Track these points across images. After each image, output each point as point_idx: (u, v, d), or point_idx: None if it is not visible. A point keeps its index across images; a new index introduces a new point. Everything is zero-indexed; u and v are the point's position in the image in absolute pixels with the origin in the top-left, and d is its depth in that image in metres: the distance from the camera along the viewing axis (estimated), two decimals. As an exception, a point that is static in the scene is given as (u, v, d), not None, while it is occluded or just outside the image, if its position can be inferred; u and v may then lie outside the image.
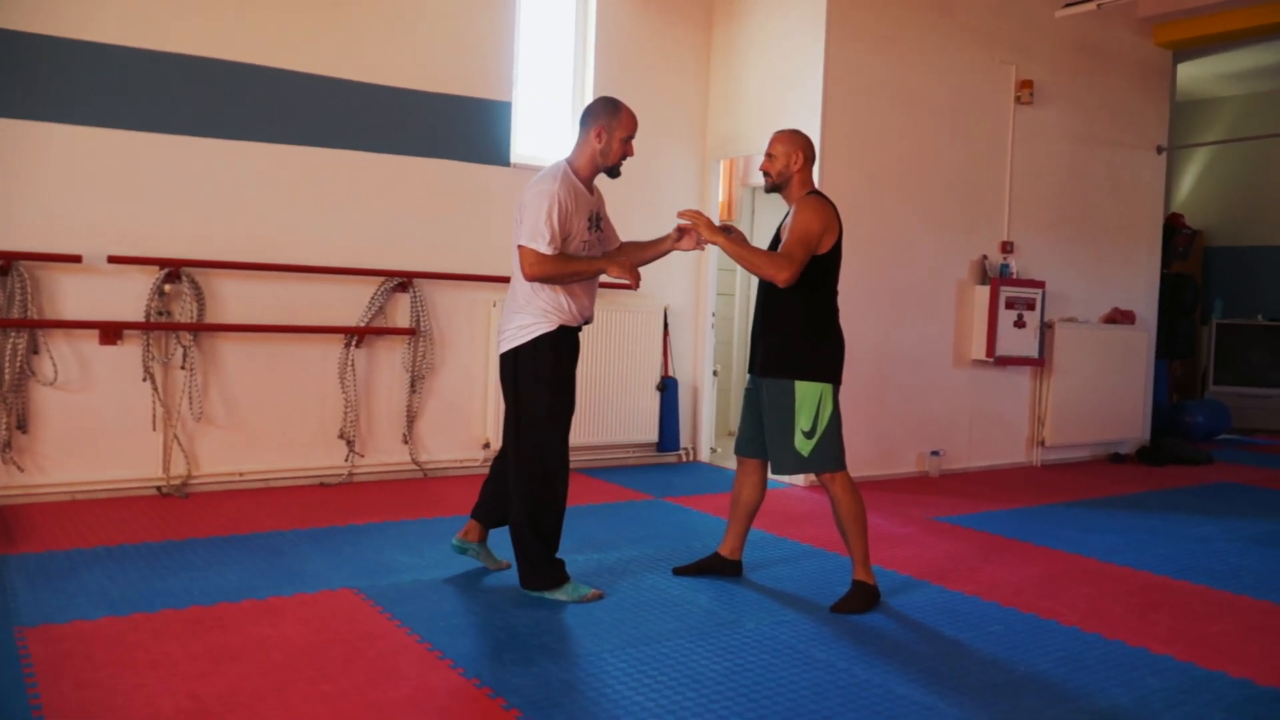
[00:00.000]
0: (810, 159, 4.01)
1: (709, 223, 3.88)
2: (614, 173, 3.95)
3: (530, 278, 3.74)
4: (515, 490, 3.87)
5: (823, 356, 3.94)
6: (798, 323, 3.91)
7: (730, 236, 3.88)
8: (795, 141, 4.00)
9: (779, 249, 3.86)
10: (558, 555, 3.95)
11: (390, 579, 4.02)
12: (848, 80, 6.47)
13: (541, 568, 3.87)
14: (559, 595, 3.84)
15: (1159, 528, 5.60)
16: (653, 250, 4.13)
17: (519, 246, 3.75)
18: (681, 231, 4.00)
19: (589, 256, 3.88)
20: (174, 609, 3.55)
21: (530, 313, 3.80)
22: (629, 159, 3.96)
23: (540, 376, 3.81)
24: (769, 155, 4.01)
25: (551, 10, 6.71)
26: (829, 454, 3.92)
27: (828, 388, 3.92)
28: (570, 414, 3.94)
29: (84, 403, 5.19)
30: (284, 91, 5.63)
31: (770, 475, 4.21)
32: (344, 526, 4.86)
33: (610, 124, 3.85)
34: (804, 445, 3.88)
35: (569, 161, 3.89)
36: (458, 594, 3.90)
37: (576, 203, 3.80)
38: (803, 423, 3.88)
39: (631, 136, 3.90)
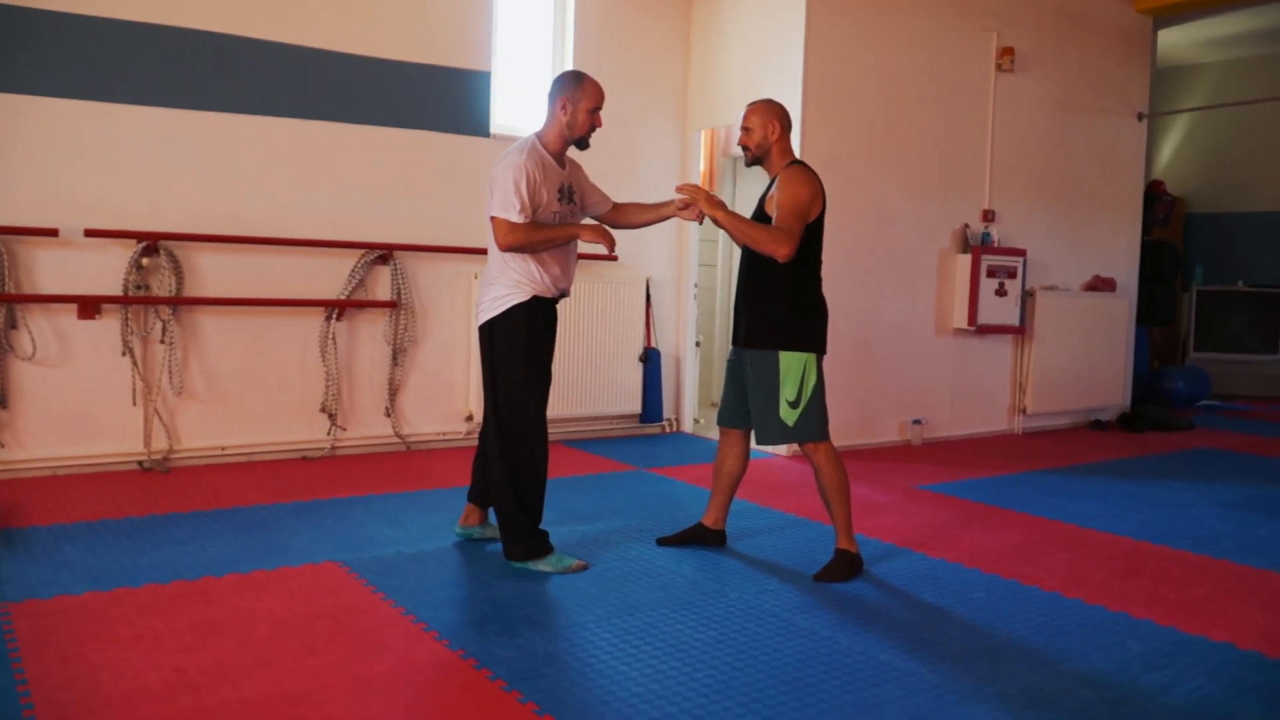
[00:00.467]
0: (787, 127, 3.99)
1: (708, 197, 3.88)
2: (582, 144, 3.96)
3: (504, 247, 3.76)
4: (496, 462, 3.88)
5: (807, 326, 3.94)
6: (782, 293, 3.90)
7: (729, 212, 3.86)
8: (770, 112, 3.98)
9: (772, 223, 3.84)
10: (541, 526, 3.96)
11: (374, 552, 4.02)
12: (828, 49, 6.44)
13: (525, 539, 3.88)
14: (543, 566, 3.85)
15: (1139, 493, 5.65)
16: (653, 214, 4.16)
17: (491, 218, 3.77)
18: (685, 203, 3.99)
19: (562, 224, 3.88)
20: (157, 583, 3.54)
21: (503, 284, 3.83)
22: (603, 130, 3.99)
23: (514, 344, 3.83)
24: (745, 129, 4.00)
25: (531, -22, 6.65)
26: (813, 423, 3.92)
27: (812, 357, 3.93)
28: (546, 384, 3.95)
29: (63, 377, 5.16)
30: (262, 62, 5.57)
31: (754, 445, 4.22)
32: (327, 500, 4.85)
33: (574, 95, 3.86)
34: (789, 415, 3.89)
35: (538, 135, 3.91)
36: (441, 566, 3.90)
37: (545, 174, 3.81)
38: (788, 393, 3.89)
39: (598, 107, 3.90)
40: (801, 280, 3.92)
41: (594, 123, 3.91)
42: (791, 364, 3.89)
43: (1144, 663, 3.13)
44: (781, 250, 3.75)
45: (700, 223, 4.19)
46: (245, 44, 5.51)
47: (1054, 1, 7.71)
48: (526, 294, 3.82)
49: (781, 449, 6.36)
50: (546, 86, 6.52)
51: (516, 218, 3.71)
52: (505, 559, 3.93)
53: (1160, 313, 9.35)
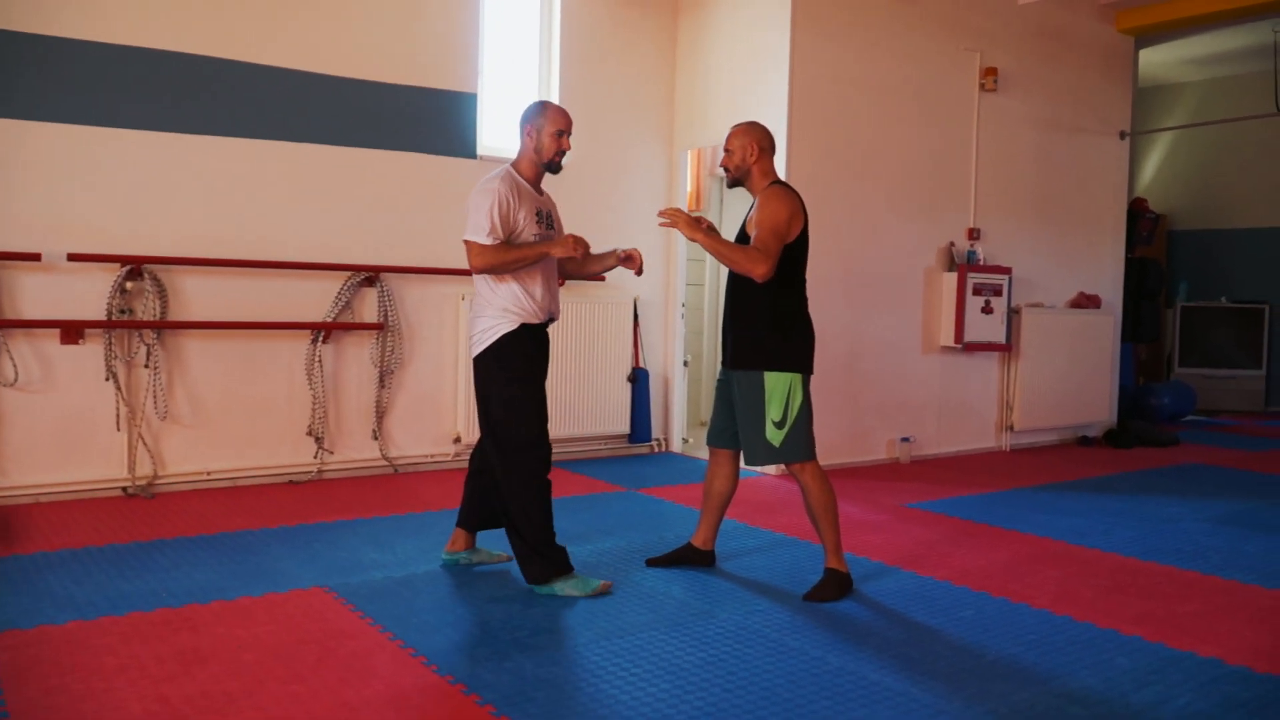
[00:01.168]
0: (767, 149, 4.01)
1: (689, 220, 3.87)
2: (554, 168, 3.99)
3: (476, 270, 3.81)
4: (504, 490, 3.86)
5: (791, 346, 3.95)
6: (766, 314, 3.92)
7: (709, 234, 3.87)
8: (750, 134, 4.00)
9: (750, 244, 3.84)
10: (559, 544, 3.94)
11: (361, 576, 3.99)
12: (813, 69, 6.48)
13: (546, 558, 3.84)
14: (569, 589, 3.82)
15: (1127, 509, 5.65)
16: (599, 264, 4.16)
17: (464, 241, 3.81)
18: (628, 254, 4.05)
19: (530, 243, 3.88)
20: (141, 611, 3.51)
21: (490, 315, 3.85)
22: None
23: (509, 370, 3.84)
24: (726, 151, 4.04)
25: (516, 1, 6.66)
26: (800, 444, 3.92)
27: (797, 377, 3.93)
28: (542, 405, 3.92)
29: (46, 403, 5.12)
30: (247, 85, 5.57)
31: (743, 465, 4.22)
32: (314, 524, 4.82)
33: (538, 121, 3.92)
34: (775, 435, 3.89)
35: (512, 163, 3.97)
36: (430, 590, 3.88)
37: (519, 198, 3.84)
38: (773, 413, 3.89)
39: (562, 131, 3.95)
40: (784, 300, 3.93)
41: (561, 146, 3.95)
42: (777, 384, 3.89)
43: (1133, 679, 3.13)
44: (758, 270, 3.76)
45: (639, 274, 4.17)
46: (230, 67, 5.51)
47: (1036, 22, 7.77)
48: (514, 322, 3.84)
49: (770, 468, 6.35)
50: (532, 109, 6.66)
51: (485, 240, 3.76)
52: (528, 584, 3.88)
53: (1145, 329, 9.39)
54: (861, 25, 6.75)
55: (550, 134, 3.91)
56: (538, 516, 3.84)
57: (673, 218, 3.87)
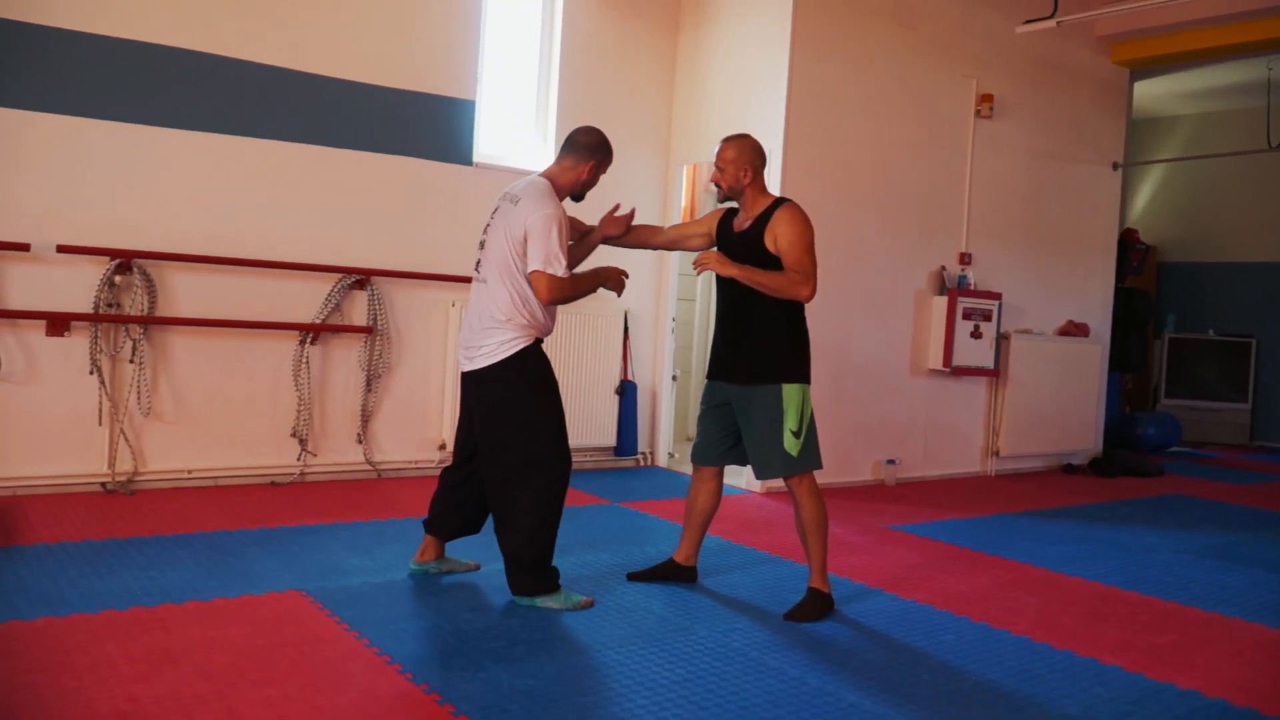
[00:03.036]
0: (760, 168, 4.03)
1: (719, 258, 3.91)
2: (580, 199, 4.10)
3: (550, 301, 3.81)
4: (510, 501, 3.82)
5: (802, 358, 4.01)
6: (781, 328, 3.96)
7: (743, 267, 3.87)
8: (742, 157, 4.00)
9: (784, 268, 3.86)
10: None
11: (340, 581, 3.96)
12: (811, 89, 6.49)
13: (541, 575, 3.83)
14: (551, 603, 3.81)
15: (1110, 539, 5.65)
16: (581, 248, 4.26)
17: (534, 272, 3.76)
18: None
19: (588, 274, 3.99)
20: (115, 610, 3.47)
21: (512, 328, 3.81)
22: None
23: (534, 385, 3.85)
24: (718, 168, 4.04)
25: (517, 9, 6.66)
26: (814, 451, 3.99)
27: (807, 387, 4.00)
28: (563, 418, 3.95)
29: (28, 395, 5.08)
30: (245, 83, 5.55)
31: (757, 479, 4.23)
32: (294, 527, 4.79)
33: (603, 161, 4.02)
34: (793, 445, 3.92)
35: (552, 180, 3.94)
36: (408, 598, 3.85)
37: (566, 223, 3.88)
38: (790, 423, 3.93)
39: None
40: (796, 314, 3.99)
41: (595, 183, 4.07)
42: (793, 395, 3.94)
43: (1112, 709, 3.12)
44: (803, 293, 3.86)
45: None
46: (228, 64, 5.49)
47: (1033, 51, 7.80)
48: (532, 337, 3.85)
49: (757, 485, 6.34)
50: (531, 118, 6.66)
51: (563, 272, 3.77)
52: (512, 595, 3.86)
53: (1133, 359, 9.41)
54: (860, 47, 6.77)
55: (601, 173, 4.03)
56: (544, 536, 3.83)
57: (704, 263, 3.89)
